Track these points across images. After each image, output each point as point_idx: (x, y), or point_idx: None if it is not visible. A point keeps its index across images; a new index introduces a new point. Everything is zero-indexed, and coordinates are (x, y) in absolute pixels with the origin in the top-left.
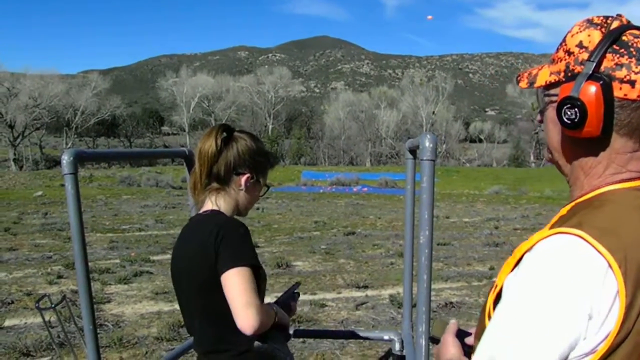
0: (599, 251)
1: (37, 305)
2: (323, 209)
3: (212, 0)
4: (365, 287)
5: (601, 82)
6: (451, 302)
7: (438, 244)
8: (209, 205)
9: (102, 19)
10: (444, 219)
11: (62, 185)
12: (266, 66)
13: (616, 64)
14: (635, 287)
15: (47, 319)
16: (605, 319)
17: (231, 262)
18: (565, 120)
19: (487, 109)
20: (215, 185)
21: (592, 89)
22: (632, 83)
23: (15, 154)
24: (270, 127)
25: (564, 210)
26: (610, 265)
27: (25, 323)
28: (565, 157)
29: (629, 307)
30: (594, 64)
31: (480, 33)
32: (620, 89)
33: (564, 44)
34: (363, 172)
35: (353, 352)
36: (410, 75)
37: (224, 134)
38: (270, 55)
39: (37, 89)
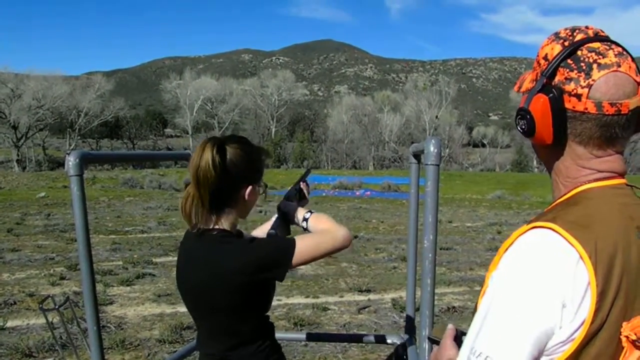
0: (570, 243)
1: (40, 306)
2: (326, 212)
3: (217, 3)
4: (368, 290)
5: (550, 95)
6: (454, 307)
7: (441, 249)
8: (211, 223)
9: (106, 20)
10: (447, 224)
11: (65, 186)
12: (270, 69)
13: (566, 78)
14: (606, 277)
15: (50, 320)
16: (578, 307)
17: (286, 261)
18: (518, 129)
19: (490, 114)
20: (219, 205)
21: (540, 101)
22: (579, 97)
23: (18, 155)
24: (274, 130)
25: (545, 211)
26: (581, 256)
27: (28, 324)
28: (542, 160)
29: (600, 296)
30: (545, 78)
31: (484, 38)
32: (569, 101)
33: (537, 54)
34: (366, 176)
35: (355, 355)
36: (413, 80)
37: (217, 148)
38: (274, 58)
39: (41, 90)
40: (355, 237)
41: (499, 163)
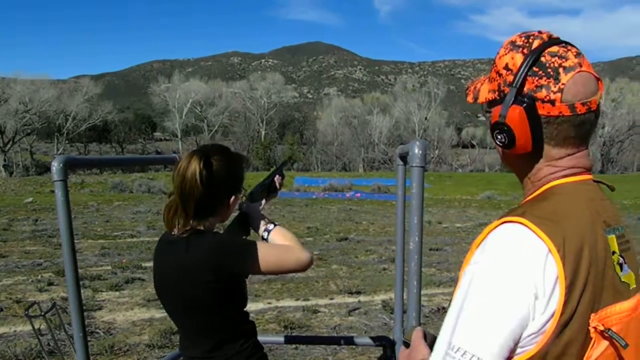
0: (539, 236)
1: (26, 313)
2: (316, 214)
3: (205, 6)
4: (358, 292)
5: (524, 104)
6: (443, 307)
7: (430, 250)
8: (188, 227)
9: (93, 24)
10: (437, 225)
11: (53, 191)
12: (259, 72)
13: (536, 86)
14: (574, 269)
15: (37, 326)
16: (549, 299)
17: (252, 261)
18: (498, 143)
19: (479, 115)
20: (202, 215)
21: (516, 112)
22: (552, 102)
23: (5, 160)
24: (263, 132)
25: (515, 207)
26: (549, 249)
27: (15, 331)
28: (512, 168)
29: (569, 288)
30: (516, 89)
31: (472, 39)
32: (543, 107)
33: (494, 65)
34: (356, 177)
35: (345, 358)
36: (402, 81)
37: (203, 162)
38: (263, 60)
39: (28, 94)
40: (346, 239)
41: (488, 164)
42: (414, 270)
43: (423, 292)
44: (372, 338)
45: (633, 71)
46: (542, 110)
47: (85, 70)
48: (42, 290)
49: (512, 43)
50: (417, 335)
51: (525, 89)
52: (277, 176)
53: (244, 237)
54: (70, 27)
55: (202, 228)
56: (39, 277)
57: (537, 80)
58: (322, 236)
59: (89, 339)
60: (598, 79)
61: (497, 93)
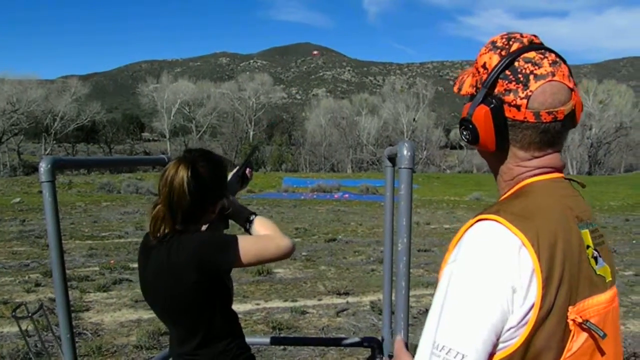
0: (512, 232)
1: (13, 314)
2: (304, 215)
3: (194, 7)
4: (346, 293)
5: (491, 105)
6: None
7: (419, 251)
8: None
9: (82, 24)
10: (425, 226)
11: (40, 192)
12: (247, 72)
13: (505, 89)
14: (549, 263)
15: (24, 328)
16: (527, 292)
17: (234, 252)
18: (463, 138)
19: None
20: (189, 221)
21: (482, 112)
22: (518, 107)
23: None
24: (252, 133)
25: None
26: (523, 244)
27: (2, 332)
28: (489, 165)
29: (546, 281)
30: (486, 90)
31: (460, 40)
32: (510, 111)
33: (475, 61)
34: (344, 178)
35: (334, 359)
36: (391, 82)
37: (190, 172)
38: (251, 61)
39: (16, 94)
40: (334, 240)
41: (477, 165)
42: (402, 271)
43: (411, 293)
44: (360, 339)
45: (620, 73)
46: (509, 113)
47: (73, 70)
48: (30, 291)
49: (493, 43)
50: (399, 345)
51: (495, 90)
52: (247, 168)
53: (224, 230)
54: (58, 27)
55: (181, 229)
56: (27, 278)
57: (506, 84)
58: (311, 237)
59: (76, 340)
60: (572, 90)
61: (474, 89)
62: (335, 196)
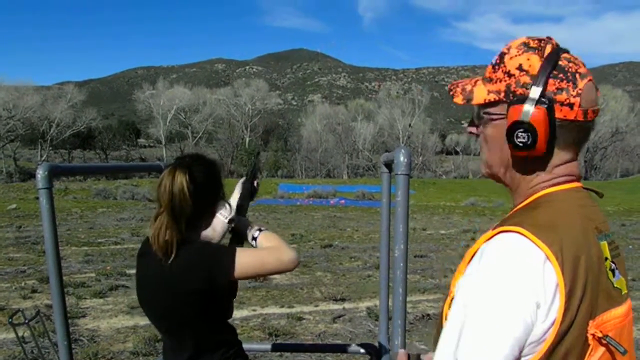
0: (536, 244)
1: (10, 320)
2: (300, 221)
3: (190, 13)
4: (343, 299)
5: (546, 105)
6: (428, 314)
7: (415, 256)
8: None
9: (78, 30)
10: (421, 231)
11: (37, 198)
12: (243, 78)
13: (557, 88)
14: (573, 277)
15: (20, 334)
16: (550, 307)
17: (232, 263)
18: (518, 142)
19: (462, 122)
20: (191, 227)
21: (541, 113)
22: (571, 106)
23: None
24: (248, 139)
25: (508, 216)
26: (547, 257)
27: None
28: (508, 171)
29: (569, 295)
30: (541, 89)
31: (456, 46)
32: (561, 110)
33: (502, 65)
34: (340, 184)
35: None
36: (387, 88)
37: (188, 176)
38: (247, 67)
39: (12, 101)
40: (330, 245)
41: (472, 170)
42: (399, 277)
43: (407, 298)
44: (358, 345)
45: (616, 78)
46: (560, 113)
47: (69, 76)
48: (26, 298)
49: (525, 45)
50: (401, 357)
51: (545, 89)
52: (256, 182)
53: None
54: (54, 33)
55: (183, 237)
56: (23, 284)
57: (558, 83)
58: (307, 243)
59: (72, 346)
60: (597, 89)
61: (502, 95)
62: (331, 202)
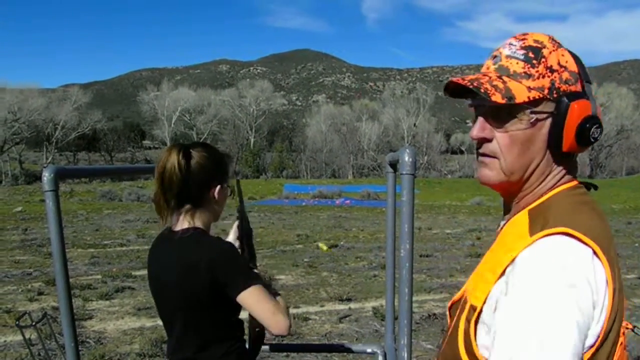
0: (585, 242)
1: (17, 322)
2: (306, 222)
3: (194, 15)
4: (349, 299)
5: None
6: (434, 314)
7: (420, 256)
8: (185, 224)
9: (83, 32)
10: (426, 231)
11: (42, 200)
12: (248, 79)
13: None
14: (614, 272)
15: (27, 336)
16: (602, 306)
17: (244, 284)
18: (592, 139)
19: (467, 121)
20: (188, 206)
21: (600, 108)
22: (594, 102)
23: None
24: (252, 140)
25: (523, 219)
26: (595, 253)
27: (5, 341)
28: (533, 174)
29: (614, 292)
30: (586, 84)
31: (460, 45)
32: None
33: (543, 59)
34: (345, 184)
35: None
36: (391, 88)
37: (182, 152)
38: (251, 68)
39: (17, 103)
40: (336, 246)
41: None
42: (405, 277)
43: (413, 298)
44: (364, 346)
45: (620, 76)
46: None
47: (74, 79)
48: (33, 300)
49: (552, 40)
50: None
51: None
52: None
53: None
54: (59, 35)
55: (202, 227)
56: (29, 287)
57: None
58: (312, 243)
59: (79, 348)
60: None
61: (546, 91)
62: (337, 202)
